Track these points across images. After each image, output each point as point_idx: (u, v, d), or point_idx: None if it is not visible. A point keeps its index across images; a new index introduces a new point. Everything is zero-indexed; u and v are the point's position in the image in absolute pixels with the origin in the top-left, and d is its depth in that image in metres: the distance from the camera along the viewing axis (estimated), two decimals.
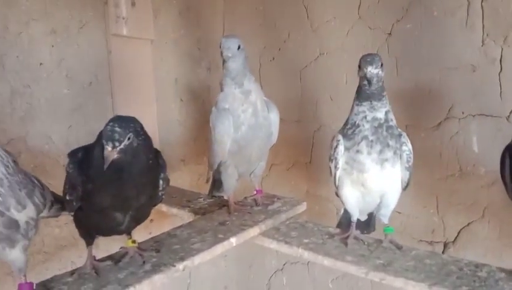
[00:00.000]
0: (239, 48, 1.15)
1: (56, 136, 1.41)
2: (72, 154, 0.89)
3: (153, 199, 0.94)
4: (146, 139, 0.86)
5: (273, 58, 1.84)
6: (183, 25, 1.82)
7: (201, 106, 1.92)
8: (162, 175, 0.94)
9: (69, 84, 1.44)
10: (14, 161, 0.81)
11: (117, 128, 0.81)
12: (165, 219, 1.62)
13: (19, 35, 1.32)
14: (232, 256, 2.06)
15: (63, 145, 1.42)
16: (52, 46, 1.39)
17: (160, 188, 0.94)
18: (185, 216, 1.34)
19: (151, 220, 1.57)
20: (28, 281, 0.81)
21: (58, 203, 0.92)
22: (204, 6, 1.92)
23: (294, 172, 1.82)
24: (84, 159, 0.87)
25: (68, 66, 1.43)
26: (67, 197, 0.87)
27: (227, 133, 1.16)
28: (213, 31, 1.96)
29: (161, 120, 1.72)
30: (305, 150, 1.77)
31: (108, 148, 0.80)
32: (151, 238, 1.09)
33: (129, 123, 0.83)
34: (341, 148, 1.01)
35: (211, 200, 1.43)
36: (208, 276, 1.98)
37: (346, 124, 1.04)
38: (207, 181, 1.45)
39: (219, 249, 1.04)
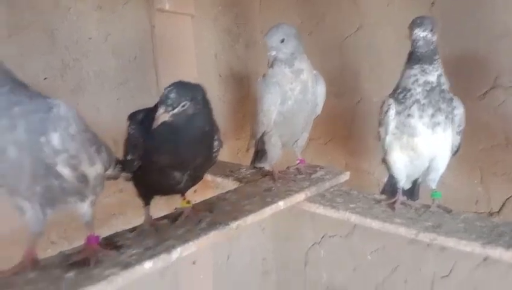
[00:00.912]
0: (283, 40, 1.16)
1: (104, 108, 1.46)
2: (133, 116, 0.94)
3: (208, 160, 0.97)
4: (206, 107, 0.89)
5: (311, 33, 1.84)
6: (222, 1, 1.84)
7: (239, 82, 1.95)
8: (216, 137, 0.97)
9: (116, 59, 1.48)
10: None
11: (172, 94, 0.84)
12: (207, 190, 1.67)
13: (68, 10, 1.36)
14: (270, 229, 2.10)
15: (111, 117, 1.47)
16: (99, 21, 1.43)
17: (215, 150, 0.97)
18: (229, 184, 1.37)
19: (195, 191, 1.62)
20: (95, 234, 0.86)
21: (119, 164, 0.96)
22: None
23: (333, 146, 1.83)
24: (144, 120, 0.91)
25: (114, 41, 1.47)
26: (129, 157, 0.92)
27: (274, 103, 1.18)
28: (250, 7, 1.97)
29: None
30: (345, 124, 1.77)
31: (161, 110, 0.84)
32: (203, 201, 1.13)
33: (187, 90, 0.86)
34: (392, 112, 1.02)
35: (253, 170, 1.46)
36: (247, 248, 2.03)
37: (396, 88, 1.04)
38: (247, 150, 1.48)
39: (268, 211, 1.07)
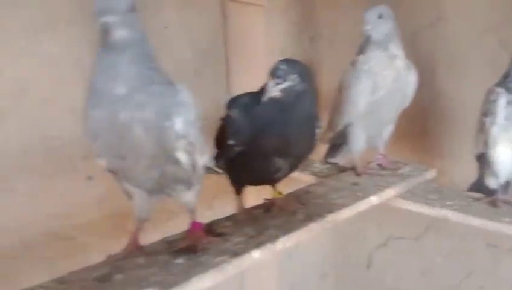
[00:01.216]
0: (380, 16, 1.12)
1: None
2: (235, 100, 0.91)
3: (310, 148, 0.94)
4: (312, 85, 0.86)
5: None
6: None
7: None
8: (318, 123, 0.93)
9: (190, 49, 1.47)
10: None
11: (283, 67, 0.83)
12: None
13: None
14: (333, 229, 2.04)
15: None
16: (176, 10, 1.43)
17: (316, 137, 0.93)
18: (304, 179, 1.33)
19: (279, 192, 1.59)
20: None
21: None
22: None
23: (404, 143, 1.75)
24: (247, 103, 0.88)
25: (189, 31, 1.47)
26: (230, 142, 0.88)
27: (364, 94, 1.14)
28: (317, 1, 1.93)
29: None
30: (417, 121, 1.70)
31: (271, 83, 0.81)
32: (289, 193, 1.09)
33: (297, 65, 0.83)
34: (502, 101, 0.95)
35: (328, 165, 1.41)
36: (308, 247, 1.98)
37: (506, 76, 0.97)
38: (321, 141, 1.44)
39: (361, 206, 1.03)
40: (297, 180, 1.39)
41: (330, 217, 0.94)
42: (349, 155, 1.30)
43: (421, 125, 1.69)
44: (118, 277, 0.70)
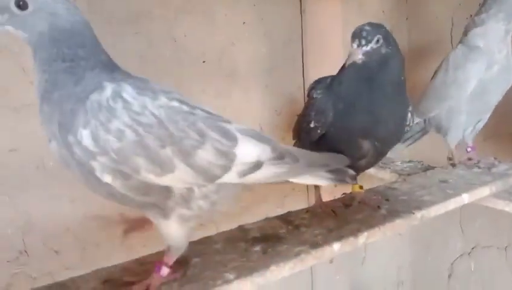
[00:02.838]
0: None
1: (253, 94, 1.45)
2: (318, 82, 0.88)
3: (399, 134, 0.87)
4: (398, 52, 0.80)
5: (470, 16, 1.65)
6: None
7: None
8: (410, 108, 0.86)
9: (267, 44, 1.46)
10: None
11: (367, 27, 0.77)
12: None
13: None
14: (408, 234, 1.92)
15: (260, 103, 1.45)
16: (254, 5, 1.42)
17: (408, 122, 0.86)
18: (386, 176, 1.25)
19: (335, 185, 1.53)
20: None
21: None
22: None
23: (494, 144, 1.61)
24: (329, 83, 0.84)
25: (266, 26, 1.45)
26: (313, 125, 0.84)
27: (476, 73, 1.06)
28: None
29: None
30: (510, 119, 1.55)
31: (354, 45, 0.77)
32: (370, 189, 1.02)
33: (381, 27, 0.78)
34: None
35: (410, 164, 1.33)
36: (382, 253, 1.88)
37: None
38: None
39: (452, 203, 0.93)
40: (378, 178, 1.32)
41: (418, 214, 0.86)
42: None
43: None
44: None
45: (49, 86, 0.56)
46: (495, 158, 1.21)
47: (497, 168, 1.13)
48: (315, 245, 0.72)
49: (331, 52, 1.59)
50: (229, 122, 0.62)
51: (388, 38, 0.78)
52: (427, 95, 1.21)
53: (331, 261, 1.62)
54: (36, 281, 1.08)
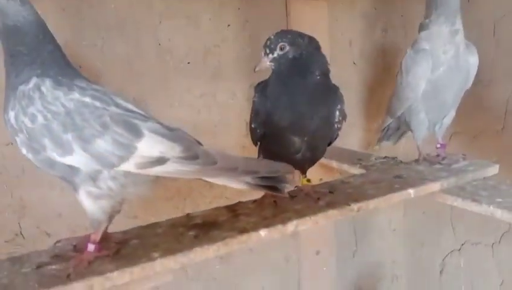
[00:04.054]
0: None
1: (239, 93, 1.53)
2: (257, 85, 0.96)
3: (327, 130, 0.94)
4: (311, 54, 0.87)
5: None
6: None
7: (374, 69, 1.85)
8: (338, 106, 0.93)
9: (251, 45, 1.54)
10: None
11: (272, 37, 0.87)
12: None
13: None
14: (402, 230, 1.95)
15: (245, 102, 1.54)
16: (239, 8, 1.51)
17: (336, 120, 0.93)
18: (355, 171, 1.31)
19: (320, 179, 1.59)
20: None
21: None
22: None
23: (482, 141, 1.61)
24: (264, 87, 0.93)
25: (251, 28, 1.53)
26: (253, 125, 0.94)
27: (423, 75, 1.12)
28: None
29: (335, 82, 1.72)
30: (496, 116, 1.55)
31: (262, 54, 0.86)
32: (324, 182, 1.10)
33: (287, 34, 0.86)
34: None
35: (383, 159, 1.37)
36: (375, 248, 1.92)
37: None
38: (381, 132, 1.42)
39: (395, 197, 0.99)
40: (347, 172, 1.37)
41: (355, 206, 0.92)
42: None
43: (499, 121, 1.54)
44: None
45: (6, 75, 0.71)
46: (463, 155, 1.24)
47: (458, 165, 1.16)
48: (243, 231, 0.80)
49: None
50: (145, 120, 0.71)
51: (297, 44, 0.85)
52: (392, 96, 1.27)
53: (317, 253, 1.69)
54: None
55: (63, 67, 0.73)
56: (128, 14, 1.30)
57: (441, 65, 1.10)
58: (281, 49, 0.85)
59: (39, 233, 1.24)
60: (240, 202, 0.97)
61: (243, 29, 1.52)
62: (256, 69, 0.89)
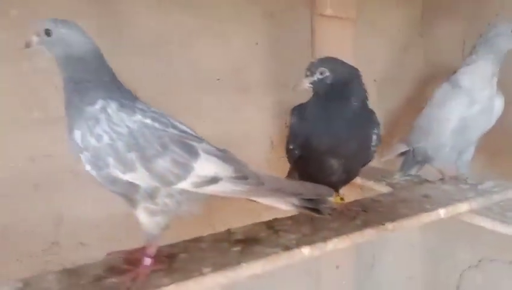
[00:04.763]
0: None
1: (265, 108, 1.58)
2: (294, 109, 1.01)
3: (364, 153, 0.98)
4: (350, 83, 0.92)
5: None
6: (383, 4, 1.82)
7: (395, 88, 1.89)
8: (375, 130, 0.97)
9: (278, 62, 1.59)
10: None
11: (315, 61, 0.92)
12: (357, 195, 1.66)
13: (240, 14, 1.50)
14: (420, 245, 1.98)
15: (270, 118, 1.58)
16: (267, 27, 1.55)
17: (373, 143, 0.97)
18: (381, 189, 1.34)
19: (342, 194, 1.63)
20: None
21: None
22: None
23: (503, 159, 1.64)
24: (302, 109, 0.98)
25: (278, 46, 1.58)
26: (290, 146, 0.98)
27: (457, 111, 1.14)
28: (412, 10, 1.91)
29: None
30: None
31: (303, 76, 0.90)
32: (355, 200, 1.13)
33: (329, 61, 0.91)
34: None
35: (407, 177, 1.40)
36: (392, 262, 1.95)
37: None
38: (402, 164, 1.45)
39: (426, 217, 1.02)
40: (373, 189, 1.41)
41: (390, 225, 0.95)
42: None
43: None
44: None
45: (66, 98, 0.75)
46: (489, 176, 1.27)
47: (484, 185, 1.19)
48: (286, 248, 0.84)
49: None
50: (199, 141, 0.76)
51: (337, 71, 0.90)
52: (414, 127, 1.30)
53: (337, 267, 1.72)
54: None
55: (122, 90, 0.78)
56: (163, 33, 1.35)
57: (476, 104, 1.13)
58: (321, 73, 0.90)
59: (74, 243, 1.27)
60: (276, 219, 1.00)
61: (270, 47, 1.57)
62: (295, 88, 0.93)
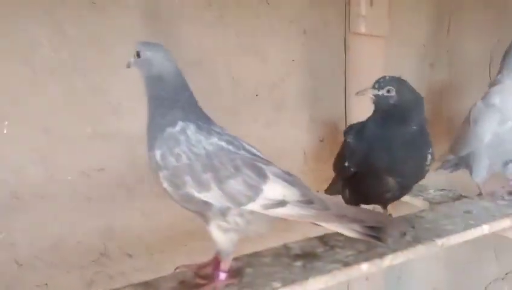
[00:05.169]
0: None
1: (300, 123, 1.62)
2: (350, 128, 1.05)
3: (419, 172, 1.02)
4: (412, 109, 0.96)
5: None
6: (413, 21, 1.87)
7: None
8: (430, 150, 1.01)
9: (313, 78, 1.63)
10: None
11: (385, 77, 0.97)
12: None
13: (277, 32, 1.55)
14: (445, 257, 2.00)
15: (304, 133, 1.62)
16: (302, 44, 1.60)
17: (428, 163, 1.01)
18: (419, 204, 1.38)
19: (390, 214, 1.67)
20: None
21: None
22: (431, 3, 1.93)
23: None
24: (360, 129, 1.01)
25: (313, 62, 1.63)
26: (346, 164, 1.03)
27: (490, 128, 1.21)
28: (439, 28, 1.96)
29: None
30: None
31: (370, 86, 0.95)
32: (400, 216, 1.16)
33: (398, 81, 0.96)
34: None
35: (442, 191, 1.45)
36: (418, 274, 1.98)
37: None
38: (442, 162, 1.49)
39: (471, 234, 1.06)
40: (411, 205, 1.45)
41: (439, 242, 0.99)
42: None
43: None
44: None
45: (149, 116, 0.80)
46: None
47: None
48: (346, 264, 0.88)
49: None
50: (268, 164, 0.80)
51: (404, 93, 0.95)
52: (456, 138, 1.37)
53: (367, 279, 1.75)
54: (113, 280, 1.29)
55: (198, 112, 0.83)
56: (209, 52, 1.40)
57: (509, 119, 1.20)
58: (388, 91, 0.94)
59: (121, 254, 1.31)
60: (327, 234, 1.04)
61: (306, 63, 1.62)
62: (359, 93, 0.98)
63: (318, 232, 1.05)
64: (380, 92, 0.96)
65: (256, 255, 0.93)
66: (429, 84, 1.96)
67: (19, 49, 1.12)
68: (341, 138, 1.49)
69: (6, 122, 1.13)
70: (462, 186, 1.50)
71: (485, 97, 1.29)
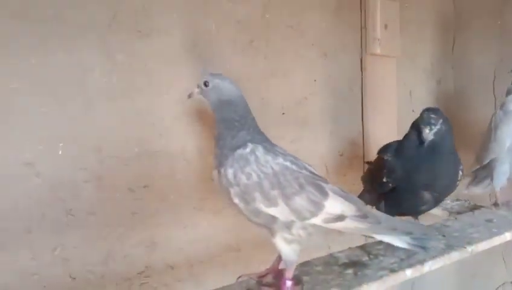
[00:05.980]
0: None
1: (321, 138, 1.72)
2: (386, 147, 1.16)
3: (452, 184, 1.14)
4: (450, 126, 1.08)
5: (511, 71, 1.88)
6: (421, 41, 1.99)
7: None
8: (460, 167, 1.13)
9: (333, 97, 1.74)
10: None
11: (432, 115, 1.06)
12: None
13: (301, 56, 1.66)
14: (455, 263, 2.10)
15: (325, 148, 1.72)
16: (323, 66, 1.71)
17: (459, 178, 1.12)
18: (439, 213, 1.48)
19: None
20: None
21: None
22: (437, 24, 2.06)
23: None
24: (397, 148, 1.11)
25: (333, 82, 1.74)
26: (385, 180, 1.13)
27: (510, 133, 1.32)
28: (444, 46, 2.09)
29: (399, 129, 1.92)
30: None
31: (426, 130, 1.05)
32: (428, 225, 1.27)
33: (440, 112, 1.07)
34: None
35: (458, 202, 1.56)
36: (430, 280, 2.08)
37: None
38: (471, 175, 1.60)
39: (496, 241, 1.16)
40: (431, 214, 1.55)
41: (469, 248, 1.10)
42: (489, 188, 1.48)
43: None
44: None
45: (218, 137, 0.89)
46: None
47: None
48: (392, 270, 0.97)
49: (387, 103, 1.85)
50: (325, 182, 0.90)
51: (445, 119, 1.06)
52: (480, 147, 1.48)
53: None
54: None
55: (261, 133, 0.94)
56: (243, 74, 1.49)
57: None
58: (441, 124, 1.06)
59: (164, 266, 1.39)
60: (366, 244, 1.13)
61: (326, 83, 1.72)
62: (426, 143, 1.07)
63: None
64: (436, 129, 1.06)
65: (308, 264, 1.02)
66: (437, 99, 2.08)
67: (73, 75, 1.20)
68: (358, 152, 1.60)
69: (61, 144, 1.21)
70: (470, 197, 1.62)
71: (503, 105, 1.43)
